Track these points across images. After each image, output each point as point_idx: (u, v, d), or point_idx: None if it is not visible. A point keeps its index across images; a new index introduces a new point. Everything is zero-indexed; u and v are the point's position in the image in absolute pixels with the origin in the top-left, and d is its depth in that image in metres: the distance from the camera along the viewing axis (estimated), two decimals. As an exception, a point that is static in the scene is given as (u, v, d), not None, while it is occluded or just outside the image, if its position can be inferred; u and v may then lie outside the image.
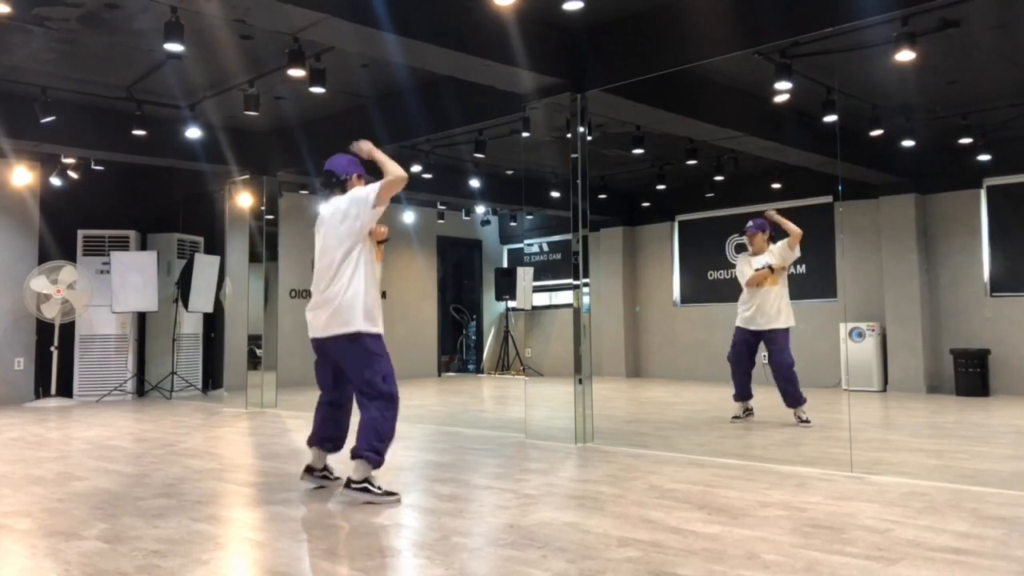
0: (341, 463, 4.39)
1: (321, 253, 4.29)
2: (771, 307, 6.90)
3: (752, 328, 6.96)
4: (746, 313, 7.00)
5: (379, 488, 4.02)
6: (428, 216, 13.18)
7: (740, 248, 7.34)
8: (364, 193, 4.18)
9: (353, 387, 4.19)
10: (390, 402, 4.09)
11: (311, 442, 4.41)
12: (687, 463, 5.00)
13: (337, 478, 4.36)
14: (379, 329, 4.26)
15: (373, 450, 4.01)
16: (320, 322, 4.19)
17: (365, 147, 4.24)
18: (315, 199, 11.99)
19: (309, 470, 4.38)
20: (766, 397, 7.24)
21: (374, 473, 4.06)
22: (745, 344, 7.00)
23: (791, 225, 7.02)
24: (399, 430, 4.30)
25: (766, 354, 6.98)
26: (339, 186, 4.32)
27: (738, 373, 7.01)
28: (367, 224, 4.23)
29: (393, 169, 4.11)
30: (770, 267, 6.95)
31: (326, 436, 4.36)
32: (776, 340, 6.85)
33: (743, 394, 7.04)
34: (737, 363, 7.01)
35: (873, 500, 3.93)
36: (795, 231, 6.99)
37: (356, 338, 4.11)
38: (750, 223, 7.27)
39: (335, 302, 4.14)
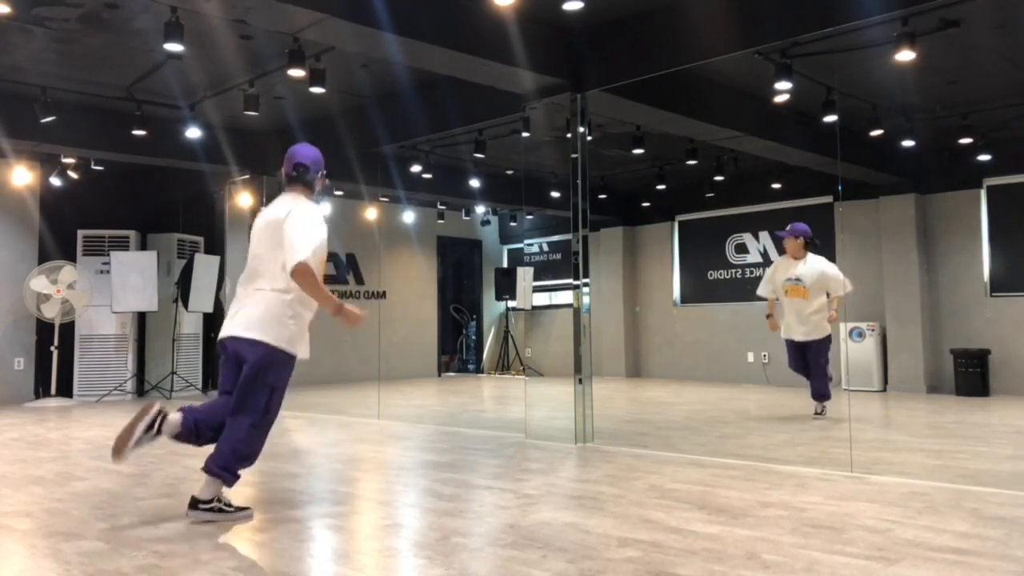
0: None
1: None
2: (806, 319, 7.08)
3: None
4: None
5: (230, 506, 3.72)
6: (428, 216, 13.18)
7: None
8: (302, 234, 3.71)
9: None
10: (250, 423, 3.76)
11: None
12: (687, 463, 5.00)
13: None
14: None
15: (226, 468, 3.69)
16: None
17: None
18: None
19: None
20: (766, 397, 7.24)
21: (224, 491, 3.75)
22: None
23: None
24: (400, 430, 4.29)
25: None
26: (303, 182, 4.04)
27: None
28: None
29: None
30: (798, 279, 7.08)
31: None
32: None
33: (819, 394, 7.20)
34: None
35: (873, 500, 3.93)
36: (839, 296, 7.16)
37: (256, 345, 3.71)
38: (789, 227, 7.29)
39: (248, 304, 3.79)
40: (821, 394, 7.06)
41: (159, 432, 3.66)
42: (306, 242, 3.66)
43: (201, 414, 3.76)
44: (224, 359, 3.88)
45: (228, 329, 3.80)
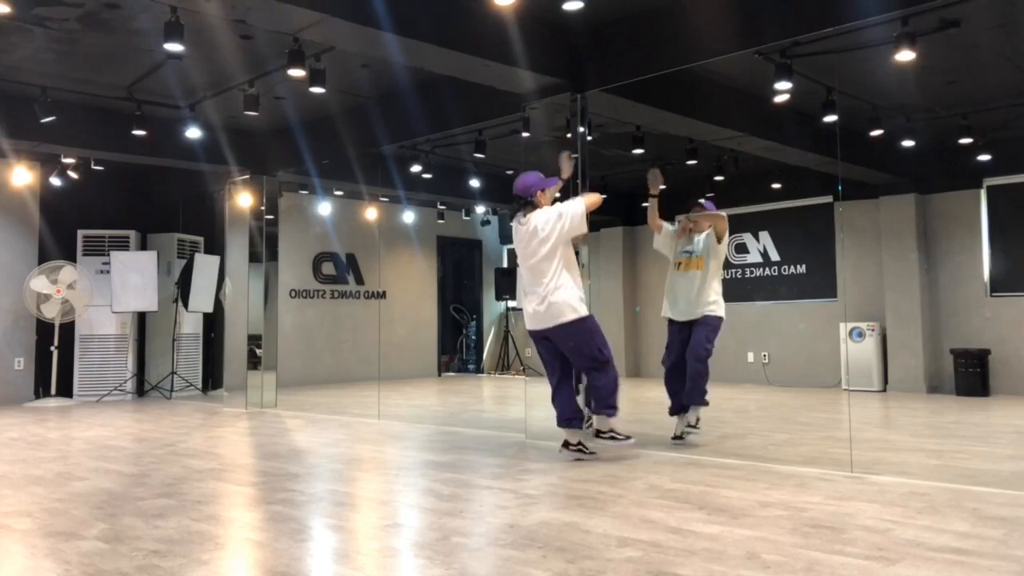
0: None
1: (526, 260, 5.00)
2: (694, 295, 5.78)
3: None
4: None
5: (621, 435, 4.96)
6: (428, 216, 13.18)
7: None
8: (564, 223, 4.90)
9: (579, 363, 4.95)
10: (610, 366, 4.91)
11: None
12: (687, 463, 5.00)
13: (592, 453, 5.04)
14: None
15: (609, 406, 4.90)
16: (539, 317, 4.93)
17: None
18: (315, 199, 12.01)
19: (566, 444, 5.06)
20: (767, 397, 7.24)
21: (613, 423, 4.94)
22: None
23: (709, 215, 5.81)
24: (400, 430, 4.29)
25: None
26: (528, 205, 5.03)
27: None
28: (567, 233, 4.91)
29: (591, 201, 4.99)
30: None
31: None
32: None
33: None
34: None
35: (873, 500, 3.93)
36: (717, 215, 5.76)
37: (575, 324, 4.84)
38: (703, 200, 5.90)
39: (548, 299, 4.84)
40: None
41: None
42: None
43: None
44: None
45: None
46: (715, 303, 5.62)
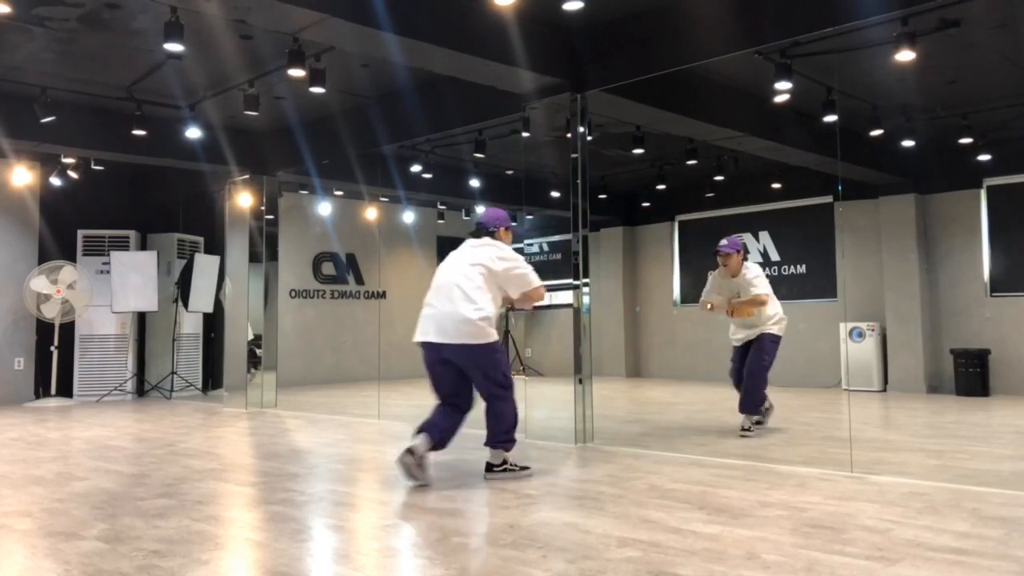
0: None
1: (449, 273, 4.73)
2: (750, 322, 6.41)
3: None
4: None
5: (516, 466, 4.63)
6: (428, 216, 13.18)
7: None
8: (511, 268, 4.68)
9: (481, 387, 4.56)
10: (512, 392, 4.59)
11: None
12: (687, 463, 5.00)
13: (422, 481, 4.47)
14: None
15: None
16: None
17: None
18: (315, 199, 12.02)
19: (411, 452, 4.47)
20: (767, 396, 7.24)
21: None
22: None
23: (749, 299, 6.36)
24: (400, 430, 4.29)
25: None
26: (489, 235, 4.84)
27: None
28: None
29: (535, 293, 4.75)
30: (710, 306, 6.52)
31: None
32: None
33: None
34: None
35: (873, 500, 3.93)
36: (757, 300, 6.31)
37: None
38: (724, 242, 6.44)
39: (462, 315, 4.46)
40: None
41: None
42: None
43: None
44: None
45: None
46: (774, 322, 6.34)
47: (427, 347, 4.51)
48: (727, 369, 6.69)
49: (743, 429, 6.22)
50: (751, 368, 6.23)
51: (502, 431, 4.53)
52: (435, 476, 4.50)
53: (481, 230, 4.85)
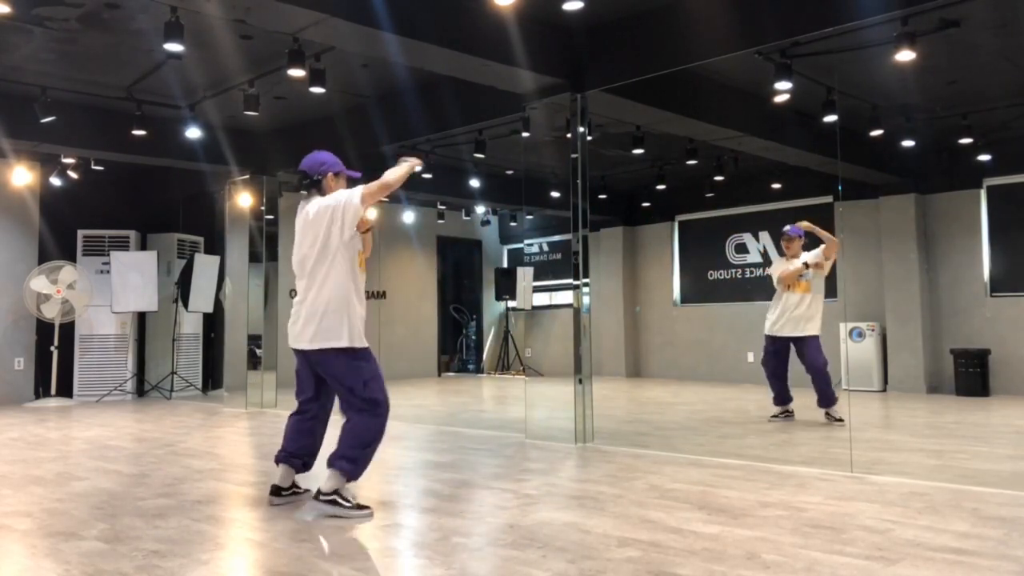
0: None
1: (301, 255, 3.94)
2: (800, 313, 6.91)
3: (781, 335, 7.00)
4: (772, 318, 7.04)
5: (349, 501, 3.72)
6: (428, 216, 13.19)
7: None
8: (346, 196, 3.85)
9: (343, 399, 3.87)
10: (380, 412, 3.82)
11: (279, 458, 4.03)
12: (687, 463, 5.00)
13: (306, 490, 4.03)
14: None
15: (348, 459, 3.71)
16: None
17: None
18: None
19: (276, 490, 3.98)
20: (768, 397, 7.24)
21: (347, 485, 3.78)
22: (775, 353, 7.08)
23: (826, 234, 7.01)
24: (400, 430, 4.28)
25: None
26: (314, 186, 3.98)
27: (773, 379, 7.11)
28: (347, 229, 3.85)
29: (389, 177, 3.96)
30: (806, 264, 6.93)
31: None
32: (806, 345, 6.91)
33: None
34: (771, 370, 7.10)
35: (873, 500, 3.93)
36: (831, 239, 6.98)
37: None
38: (788, 228, 7.17)
39: (313, 314, 3.80)
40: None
41: None
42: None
43: None
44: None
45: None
46: (819, 323, 6.88)
47: (296, 352, 4.00)
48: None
49: (837, 419, 6.71)
50: (817, 366, 6.75)
51: (350, 450, 3.77)
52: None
53: (305, 181, 4.00)
